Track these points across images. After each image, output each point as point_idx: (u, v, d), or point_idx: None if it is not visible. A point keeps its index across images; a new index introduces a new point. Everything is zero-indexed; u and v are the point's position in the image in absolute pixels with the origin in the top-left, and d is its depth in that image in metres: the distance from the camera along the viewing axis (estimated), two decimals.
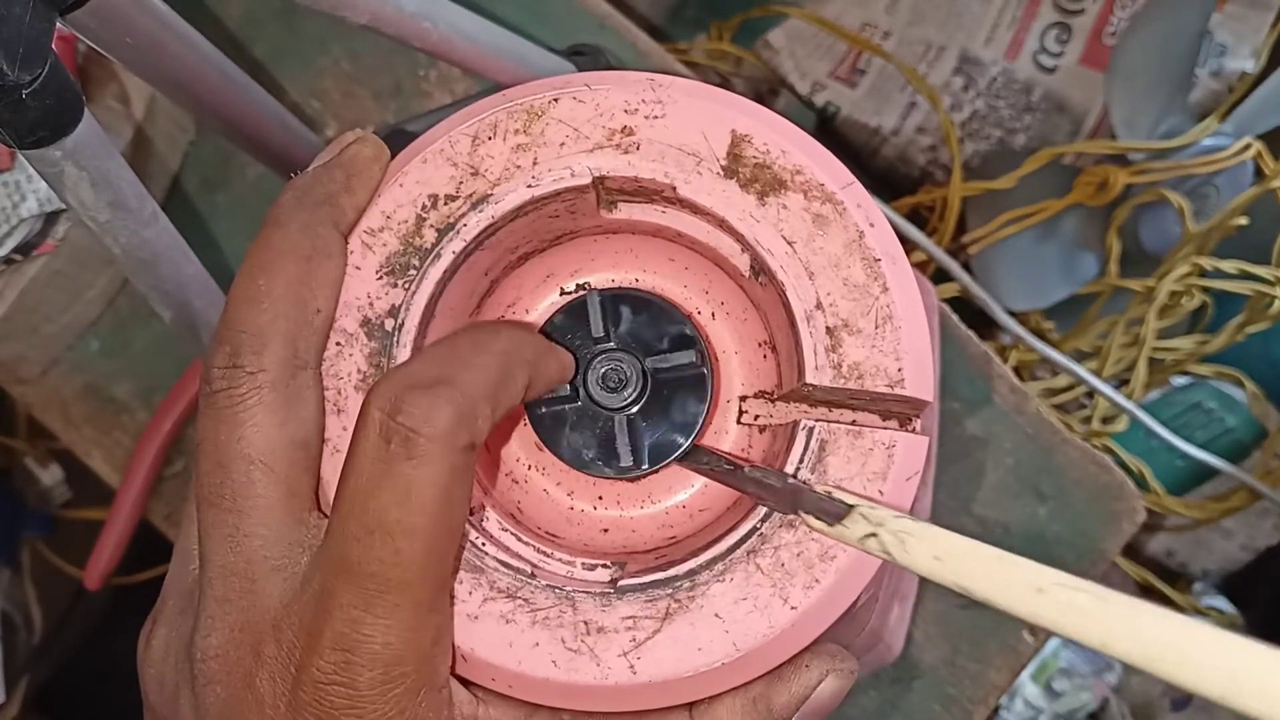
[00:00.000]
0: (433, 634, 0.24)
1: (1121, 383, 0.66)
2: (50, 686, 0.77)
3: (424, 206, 0.28)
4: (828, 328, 0.27)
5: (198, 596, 0.25)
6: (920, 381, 0.27)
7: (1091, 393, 0.64)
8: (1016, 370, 0.66)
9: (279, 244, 0.26)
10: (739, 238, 0.28)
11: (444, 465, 0.22)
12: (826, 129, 0.74)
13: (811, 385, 0.27)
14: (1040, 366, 0.68)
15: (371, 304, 0.28)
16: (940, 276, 0.61)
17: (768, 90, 0.77)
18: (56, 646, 0.78)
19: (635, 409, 0.30)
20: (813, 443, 0.27)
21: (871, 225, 0.27)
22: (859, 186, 0.28)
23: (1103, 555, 0.48)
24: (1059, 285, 0.64)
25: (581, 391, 0.30)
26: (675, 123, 0.28)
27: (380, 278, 0.28)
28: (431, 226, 0.28)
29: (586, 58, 0.47)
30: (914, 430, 0.27)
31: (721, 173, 0.28)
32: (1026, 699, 0.72)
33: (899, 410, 0.27)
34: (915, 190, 0.71)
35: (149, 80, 0.36)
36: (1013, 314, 0.60)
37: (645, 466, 0.30)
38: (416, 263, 0.28)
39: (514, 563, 0.26)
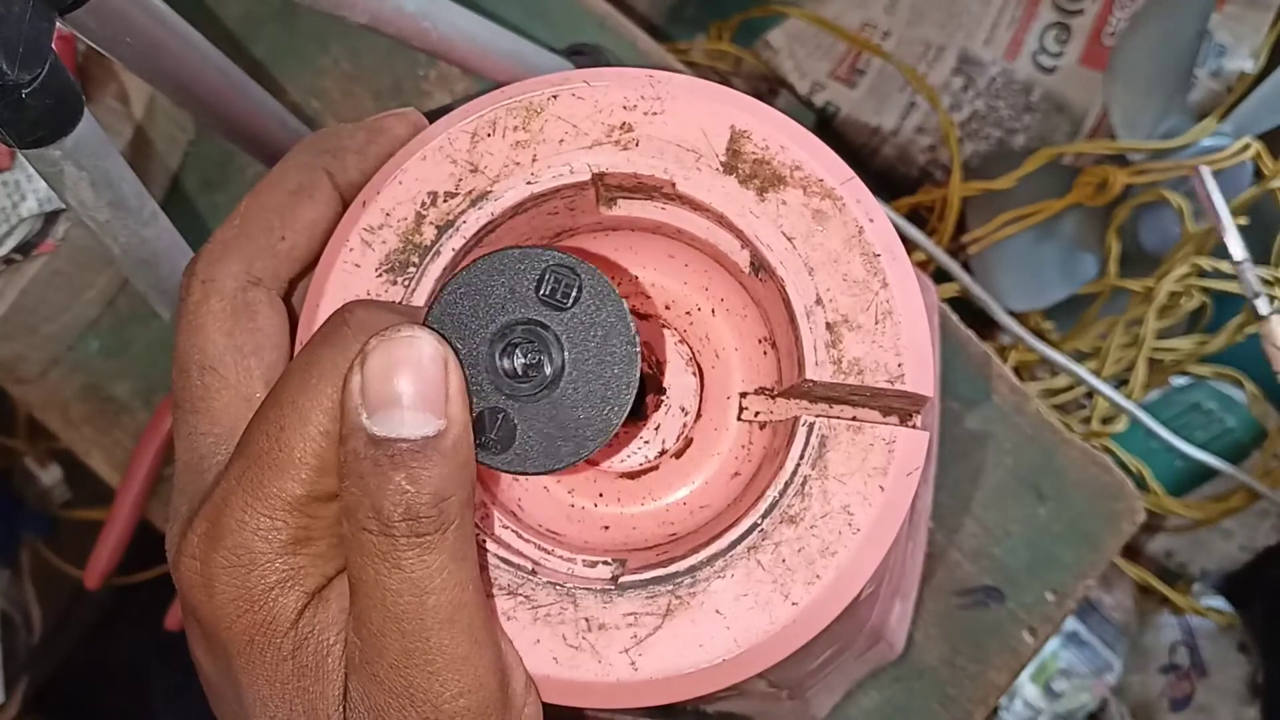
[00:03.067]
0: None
1: (1121, 383, 0.66)
2: (50, 686, 0.77)
3: (423, 203, 0.28)
4: (828, 323, 0.27)
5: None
6: (920, 377, 0.27)
7: (1091, 393, 0.64)
8: (1016, 370, 0.66)
9: (271, 175, 0.28)
10: (738, 234, 0.28)
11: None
12: (826, 129, 0.74)
13: (812, 381, 0.27)
14: (1040, 366, 0.68)
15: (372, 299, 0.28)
16: (940, 276, 0.61)
17: (767, 90, 0.77)
18: (56, 646, 0.78)
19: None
20: (813, 438, 0.27)
21: (871, 220, 0.27)
22: (858, 182, 0.28)
23: (1102, 555, 0.48)
24: (1058, 285, 0.64)
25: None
26: (674, 119, 0.28)
27: (380, 275, 0.28)
28: (431, 224, 0.28)
29: (586, 57, 0.47)
30: (914, 426, 0.27)
31: (721, 169, 0.28)
32: (1026, 699, 0.72)
33: (899, 406, 0.27)
34: (915, 190, 0.71)
35: (149, 80, 0.36)
36: (1012, 314, 0.60)
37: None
38: (416, 260, 0.28)
39: (515, 560, 0.26)
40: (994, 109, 0.70)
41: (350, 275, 0.28)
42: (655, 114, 0.28)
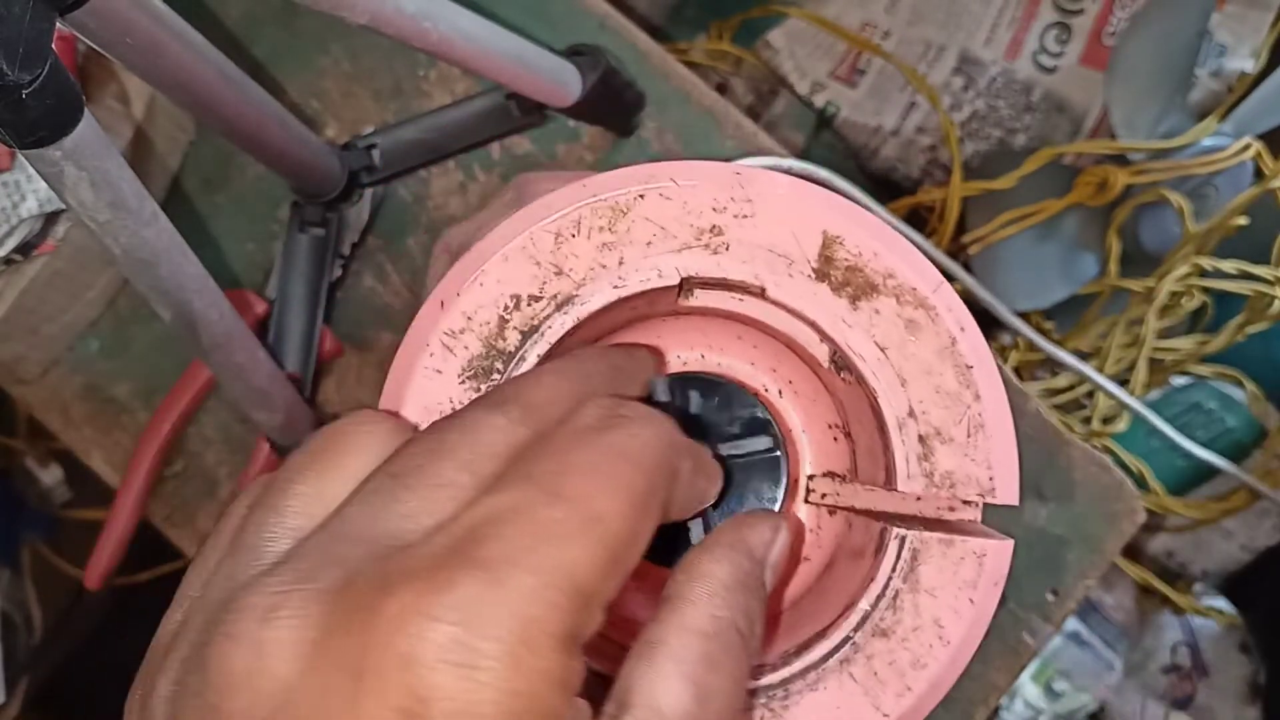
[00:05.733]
0: None
1: (1121, 383, 0.66)
2: (50, 686, 0.77)
3: (506, 307, 0.27)
4: (920, 436, 0.27)
5: None
6: (1009, 489, 0.27)
7: (1092, 393, 0.64)
8: (1017, 370, 0.66)
9: None
10: (823, 334, 0.27)
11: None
12: (827, 129, 0.74)
13: (903, 493, 0.27)
14: (1040, 367, 0.68)
15: (454, 409, 0.26)
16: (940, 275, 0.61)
17: (768, 90, 0.77)
18: (56, 646, 0.78)
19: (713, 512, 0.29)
20: (905, 551, 0.26)
21: (962, 330, 0.27)
22: (948, 289, 0.27)
23: (1103, 555, 0.48)
24: (1059, 285, 0.64)
25: None
26: (765, 222, 0.27)
27: (463, 381, 0.27)
28: (514, 328, 0.27)
29: (586, 58, 0.47)
30: (1002, 537, 0.27)
31: (813, 275, 0.27)
32: (1026, 700, 0.72)
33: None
34: (915, 190, 0.71)
35: (149, 80, 0.36)
36: (1014, 313, 0.60)
37: None
38: (500, 366, 0.27)
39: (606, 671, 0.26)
40: (994, 109, 0.70)
41: (431, 381, 0.27)
42: (745, 216, 0.27)
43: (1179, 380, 0.71)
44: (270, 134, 0.43)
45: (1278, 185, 0.58)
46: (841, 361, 0.28)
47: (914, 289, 0.27)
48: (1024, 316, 0.66)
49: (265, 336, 0.49)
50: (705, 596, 0.23)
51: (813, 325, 0.27)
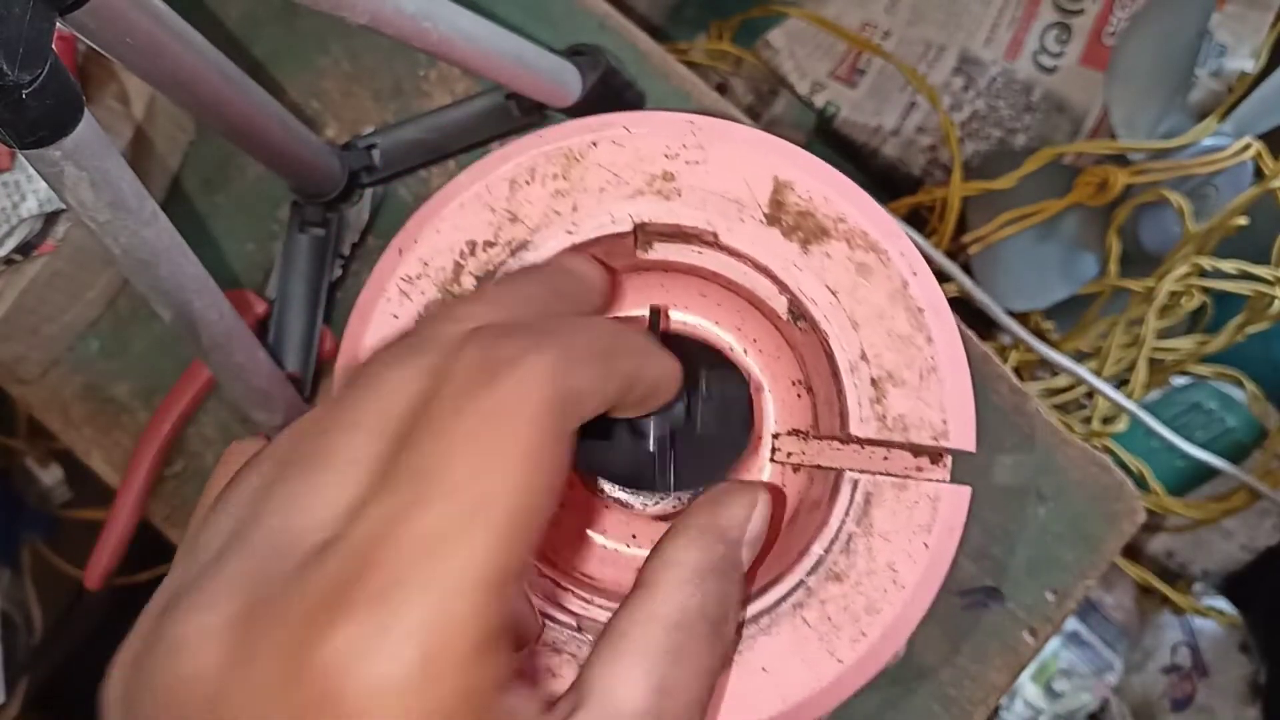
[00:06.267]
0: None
1: (1121, 383, 0.66)
2: (50, 686, 0.77)
3: (462, 253, 0.28)
4: (872, 379, 0.27)
5: None
6: (963, 433, 0.26)
7: (1091, 393, 0.64)
8: (1016, 371, 0.66)
9: None
10: (780, 284, 0.27)
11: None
12: (827, 129, 0.74)
13: (857, 438, 0.27)
14: (1040, 367, 0.68)
15: None
16: (940, 277, 0.61)
17: (768, 90, 0.77)
18: (56, 646, 0.78)
19: (677, 435, 0.28)
20: (858, 495, 0.26)
21: (914, 274, 0.27)
22: (902, 234, 0.27)
23: (1103, 556, 0.48)
24: (1059, 285, 0.64)
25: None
26: (716, 168, 0.27)
27: None
28: (470, 273, 0.27)
29: (586, 58, 0.47)
30: (943, 467, 0.27)
31: (764, 220, 0.27)
32: (1027, 700, 0.72)
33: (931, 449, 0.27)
34: (915, 190, 0.71)
35: (149, 80, 0.36)
36: (1012, 314, 0.60)
37: (685, 491, 0.29)
38: None
39: (560, 616, 0.26)
40: (994, 109, 0.70)
41: (388, 327, 0.27)
42: (697, 163, 0.27)
43: (1179, 380, 0.71)
44: (270, 134, 0.43)
45: (1278, 185, 0.58)
46: (798, 310, 0.28)
47: (865, 233, 0.27)
48: (1024, 317, 0.66)
49: (265, 336, 0.49)
50: (673, 584, 0.22)
51: (766, 272, 0.28)
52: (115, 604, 0.81)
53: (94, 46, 0.32)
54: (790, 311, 0.28)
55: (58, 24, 0.28)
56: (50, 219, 0.48)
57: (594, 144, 0.28)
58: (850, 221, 0.27)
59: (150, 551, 0.56)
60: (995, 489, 0.49)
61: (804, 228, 0.27)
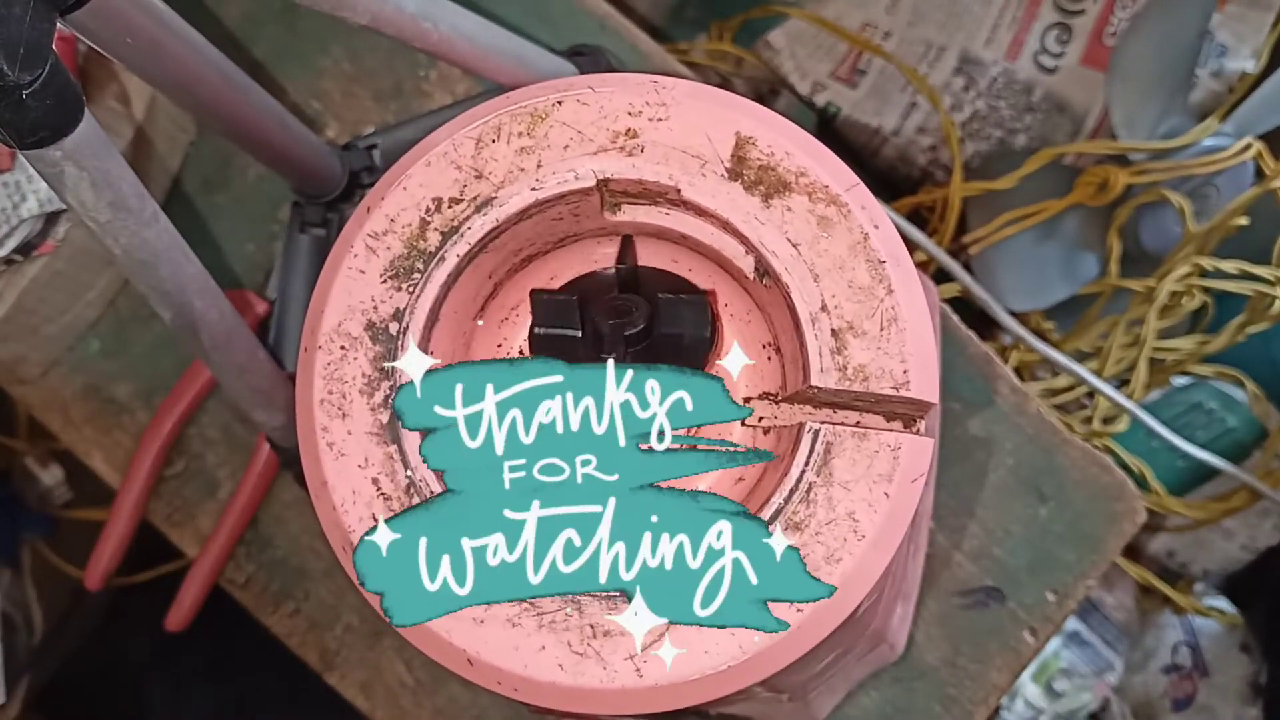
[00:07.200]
0: None
1: (1122, 383, 0.65)
2: (50, 686, 0.77)
3: (428, 209, 0.28)
4: (833, 330, 0.27)
5: None
6: (925, 383, 0.27)
7: (1092, 393, 0.64)
8: (1017, 371, 0.66)
9: None
10: (743, 240, 0.28)
11: None
12: (827, 130, 0.74)
13: (817, 388, 0.27)
14: (1041, 367, 0.68)
15: (376, 308, 0.28)
16: (941, 277, 0.61)
17: (768, 91, 0.77)
18: (56, 646, 0.78)
19: (636, 348, 0.30)
20: (818, 445, 0.27)
21: (876, 227, 0.27)
22: (863, 188, 0.28)
23: (1103, 555, 0.48)
24: (1059, 285, 0.64)
25: (587, 326, 0.30)
26: (679, 125, 0.28)
27: (384, 281, 0.28)
28: (435, 229, 0.28)
29: (587, 59, 0.47)
30: (918, 432, 0.27)
31: (726, 175, 0.28)
32: (1027, 699, 0.72)
33: (903, 412, 0.27)
34: (916, 190, 0.71)
35: (149, 80, 0.36)
36: (1013, 314, 0.60)
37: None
38: (420, 266, 0.28)
39: None
40: (995, 109, 0.70)
41: (355, 282, 0.28)
42: (660, 120, 0.28)
43: (1180, 380, 0.71)
44: (271, 134, 0.43)
45: (1278, 185, 0.58)
46: (763, 268, 0.28)
47: (826, 186, 0.27)
48: (1024, 317, 0.66)
49: (265, 336, 0.49)
50: None
51: (730, 229, 0.28)
52: (115, 604, 0.81)
53: (94, 47, 0.32)
54: (756, 270, 0.29)
55: (58, 24, 0.28)
56: (50, 219, 0.48)
57: (559, 103, 0.28)
58: (811, 175, 0.28)
59: (150, 551, 0.56)
60: (995, 489, 0.49)
61: (765, 181, 0.28)
